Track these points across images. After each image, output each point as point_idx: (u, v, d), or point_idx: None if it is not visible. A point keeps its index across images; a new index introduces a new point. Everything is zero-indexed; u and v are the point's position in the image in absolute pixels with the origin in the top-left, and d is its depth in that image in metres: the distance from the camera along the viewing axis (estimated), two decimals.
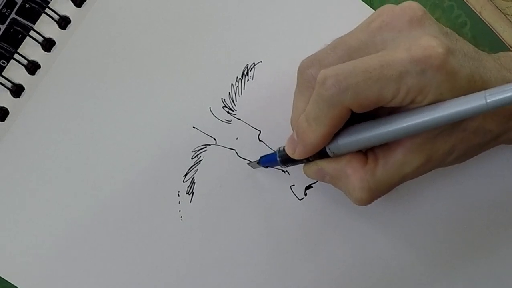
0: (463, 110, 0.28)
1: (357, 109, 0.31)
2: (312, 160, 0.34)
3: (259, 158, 0.37)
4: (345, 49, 0.32)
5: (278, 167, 0.37)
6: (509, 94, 0.27)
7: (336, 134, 0.32)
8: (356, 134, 0.32)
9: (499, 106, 0.27)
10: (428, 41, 0.29)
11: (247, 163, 0.38)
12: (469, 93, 0.29)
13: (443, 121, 0.29)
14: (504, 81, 0.32)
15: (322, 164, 0.34)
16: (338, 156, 0.33)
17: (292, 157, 0.34)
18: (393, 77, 0.29)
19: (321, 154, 0.34)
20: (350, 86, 0.30)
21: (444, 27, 0.32)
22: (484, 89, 0.28)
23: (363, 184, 0.33)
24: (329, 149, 0.33)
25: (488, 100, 0.27)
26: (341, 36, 0.34)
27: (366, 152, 0.34)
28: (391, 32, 0.31)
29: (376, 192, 0.33)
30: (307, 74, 0.33)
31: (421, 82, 0.29)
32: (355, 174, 0.33)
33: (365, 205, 0.33)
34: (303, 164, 0.35)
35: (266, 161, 0.37)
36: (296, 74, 0.35)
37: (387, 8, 0.32)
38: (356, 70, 0.30)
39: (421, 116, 0.30)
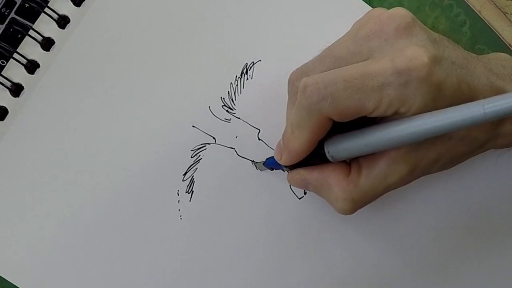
0: (461, 120, 0.27)
1: (337, 118, 0.30)
2: (294, 169, 0.35)
3: (265, 159, 0.37)
4: (332, 60, 0.32)
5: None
6: (509, 105, 0.26)
7: (323, 141, 0.32)
8: (342, 142, 0.32)
9: (498, 117, 0.26)
10: (414, 52, 0.29)
11: (253, 163, 0.38)
12: (455, 103, 0.28)
13: (437, 130, 0.28)
14: (493, 88, 0.31)
15: (304, 174, 0.34)
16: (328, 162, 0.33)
17: (279, 163, 0.34)
18: (375, 87, 0.29)
19: (319, 159, 0.33)
20: (330, 95, 0.29)
21: (434, 33, 0.31)
22: (471, 96, 0.28)
23: (345, 195, 0.32)
24: (328, 152, 0.33)
25: (487, 111, 0.26)
26: (329, 45, 0.33)
27: (350, 162, 0.33)
28: (378, 41, 0.31)
29: (359, 203, 0.33)
30: (296, 86, 0.33)
31: (404, 94, 0.29)
32: (337, 185, 0.33)
33: (349, 214, 0.33)
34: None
35: (271, 164, 0.37)
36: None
37: (375, 14, 0.32)
38: (337, 78, 0.29)
39: (413, 126, 0.29)
